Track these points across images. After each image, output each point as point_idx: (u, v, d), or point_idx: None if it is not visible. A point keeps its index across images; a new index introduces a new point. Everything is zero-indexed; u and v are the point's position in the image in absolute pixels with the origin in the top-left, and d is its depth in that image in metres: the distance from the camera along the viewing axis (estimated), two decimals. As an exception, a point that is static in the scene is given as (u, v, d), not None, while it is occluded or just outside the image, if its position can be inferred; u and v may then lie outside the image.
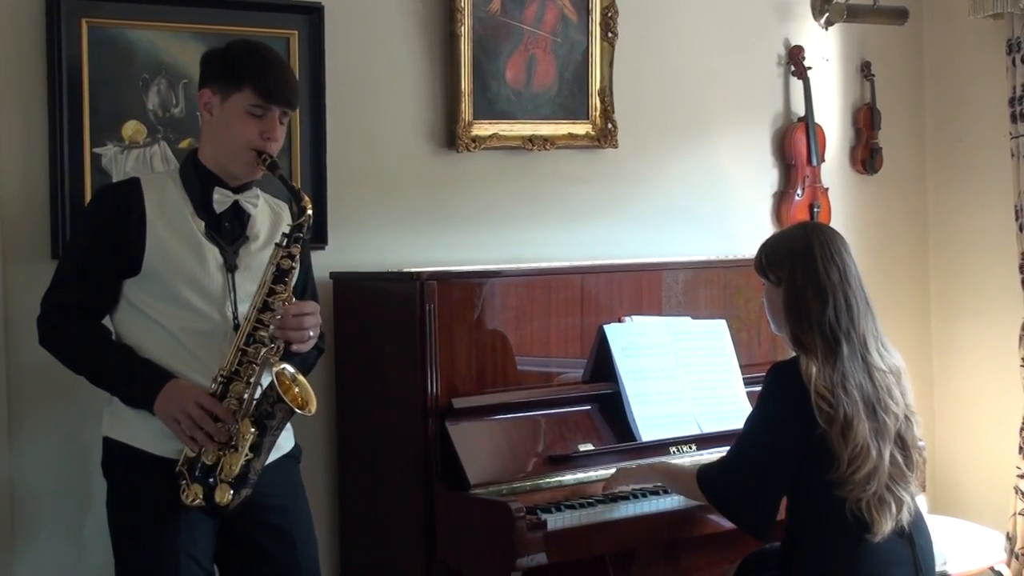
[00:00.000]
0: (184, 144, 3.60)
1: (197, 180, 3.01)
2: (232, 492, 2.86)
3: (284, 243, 2.95)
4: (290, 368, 2.93)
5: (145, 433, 2.94)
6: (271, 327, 2.91)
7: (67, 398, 3.45)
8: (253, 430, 2.88)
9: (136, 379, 2.90)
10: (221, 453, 2.86)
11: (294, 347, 2.95)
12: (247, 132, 2.96)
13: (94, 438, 3.46)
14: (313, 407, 2.95)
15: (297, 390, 2.92)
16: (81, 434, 3.49)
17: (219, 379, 2.89)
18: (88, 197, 3.48)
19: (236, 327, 2.95)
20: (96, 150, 3.52)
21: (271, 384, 2.89)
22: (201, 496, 2.86)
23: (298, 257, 2.97)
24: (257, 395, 2.91)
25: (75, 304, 2.96)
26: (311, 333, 2.97)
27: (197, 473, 2.86)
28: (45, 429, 3.51)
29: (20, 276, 3.45)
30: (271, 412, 2.89)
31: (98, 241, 2.96)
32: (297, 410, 2.90)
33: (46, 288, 3.00)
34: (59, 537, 3.54)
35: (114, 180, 3.52)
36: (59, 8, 3.44)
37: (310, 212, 2.97)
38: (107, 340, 2.97)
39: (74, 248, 3.05)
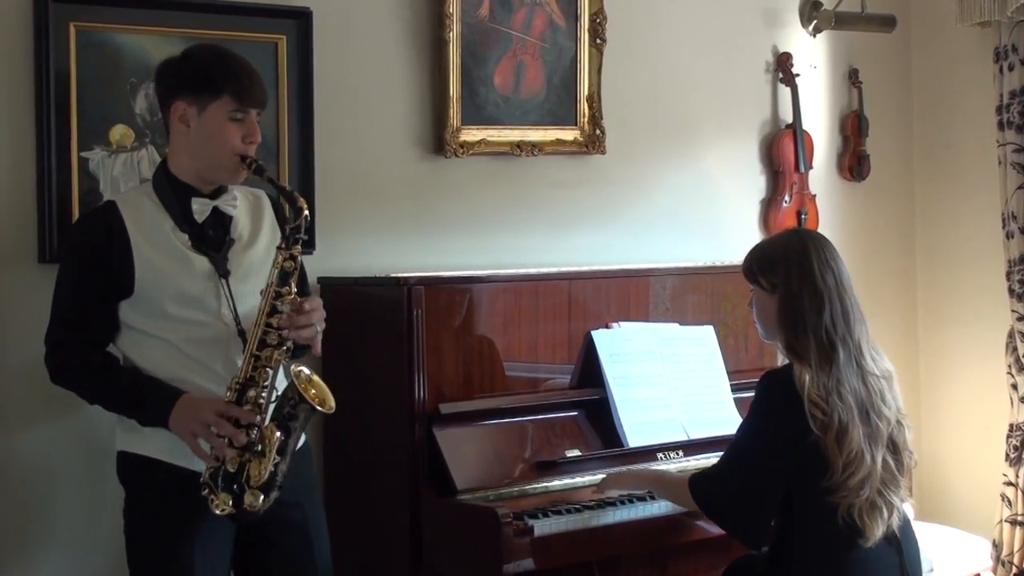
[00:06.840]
0: (171, 149, 3.59)
1: (172, 193, 2.99)
2: (262, 497, 2.84)
3: (284, 245, 2.92)
4: (305, 370, 2.92)
5: (161, 444, 2.92)
6: (281, 329, 2.88)
7: (55, 401, 3.42)
8: (279, 434, 2.85)
9: (147, 401, 2.89)
10: (245, 458, 2.83)
11: (304, 341, 2.94)
12: (232, 139, 2.95)
13: (82, 441, 3.47)
14: (332, 403, 2.93)
15: (314, 391, 2.90)
16: (69, 437, 3.49)
17: (235, 387, 2.86)
18: (76, 201, 3.48)
19: (240, 332, 2.94)
20: (83, 154, 3.51)
21: (290, 386, 2.87)
22: (230, 504, 2.83)
23: (300, 258, 2.94)
24: (274, 399, 2.90)
25: (76, 338, 2.94)
26: (318, 328, 2.96)
27: (222, 481, 2.83)
28: (33, 432, 3.49)
29: (7, 280, 3.43)
30: (294, 413, 2.88)
31: (87, 271, 2.93)
32: (319, 408, 2.89)
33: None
34: (52, 543, 3.52)
35: (101, 184, 3.52)
36: (47, 12, 3.42)
37: (307, 213, 2.94)
38: (113, 368, 2.95)
39: (64, 282, 2.99)
